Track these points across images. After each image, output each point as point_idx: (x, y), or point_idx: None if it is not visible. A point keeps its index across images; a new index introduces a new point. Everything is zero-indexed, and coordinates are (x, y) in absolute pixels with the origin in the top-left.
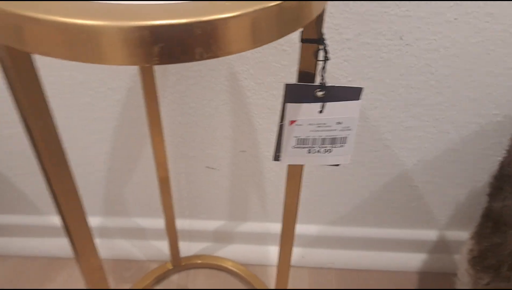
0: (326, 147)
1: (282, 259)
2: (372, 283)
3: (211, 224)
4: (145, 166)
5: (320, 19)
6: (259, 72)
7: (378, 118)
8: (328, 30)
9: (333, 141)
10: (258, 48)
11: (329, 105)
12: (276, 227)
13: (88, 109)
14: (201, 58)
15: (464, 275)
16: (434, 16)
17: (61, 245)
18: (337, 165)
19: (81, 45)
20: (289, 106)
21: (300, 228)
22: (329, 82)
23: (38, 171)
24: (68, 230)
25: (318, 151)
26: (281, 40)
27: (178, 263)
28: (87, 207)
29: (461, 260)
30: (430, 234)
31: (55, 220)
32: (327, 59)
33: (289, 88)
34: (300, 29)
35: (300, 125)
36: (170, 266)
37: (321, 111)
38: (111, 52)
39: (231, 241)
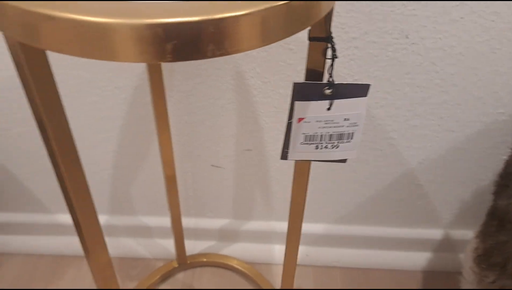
0: (333, 143)
1: (288, 258)
2: (377, 282)
3: (217, 223)
4: (151, 165)
5: (328, 17)
6: (265, 71)
7: (383, 116)
8: (334, 29)
9: (340, 137)
10: (265, 47)
11: (336, 102)
12: (281, 226)
13: (95, 108)
14: (213, 55)
15: (469, 274)
16: (440, 15)
17: (68, 243)
18: (344, 161)
19: (94, 43)
20: (298, 104)
21: (305, 227)
22: (335, 81)
23: (46, 169)
24: (79, 227)
25: (325, 147)
26: (288, 39)
27: (184, 261)
28: None
29: (466, 259)
30: (435, 233)
31: (62, 218)
32: (335, 57)
33: (297, 86)
34: (308, 28)
35: (308, 122)
36: (175, 264)
37: (329, 108)
38: (124, 50)
39: (237, 239)
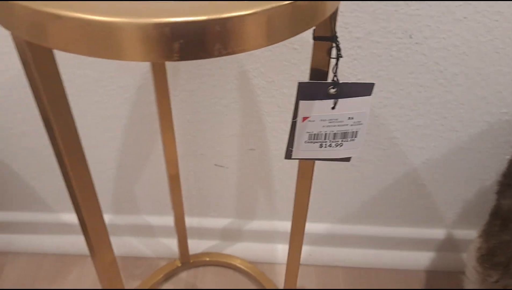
0: (337, 141)
1: (292, 257)
2: (380, 282)
3: (220, 222)
4: (154, 164)
5: (333, 17)
6: (269, 71)
7: (387, 116)
8: (338, 29)
9: (344, 135)
10: (269, 47)
11: (341, 101)
12: (284, 225)
13: (99, 107)
14: (219, 54)
15: (472, 273)
16: (444, 15)
17: (71, 242)
18: (348, 160)
19: (101, 42)
20: (302, 103)
21: (308, 226)
22: (340, 80)
23: (50, 168)
24: (84, 226)
25: (329, 146)
26: (292, 39)
27: (187, 261)
28: None
29: (469, 258)
30: (438, 233)
31: (66, 217)
32: (340, 57)
33: (302, 86)
34: (313, 27)
35: (313, 121)
36: (179, 264)
37: (333, 108)
38: (132, 49)
39: (240, 239)
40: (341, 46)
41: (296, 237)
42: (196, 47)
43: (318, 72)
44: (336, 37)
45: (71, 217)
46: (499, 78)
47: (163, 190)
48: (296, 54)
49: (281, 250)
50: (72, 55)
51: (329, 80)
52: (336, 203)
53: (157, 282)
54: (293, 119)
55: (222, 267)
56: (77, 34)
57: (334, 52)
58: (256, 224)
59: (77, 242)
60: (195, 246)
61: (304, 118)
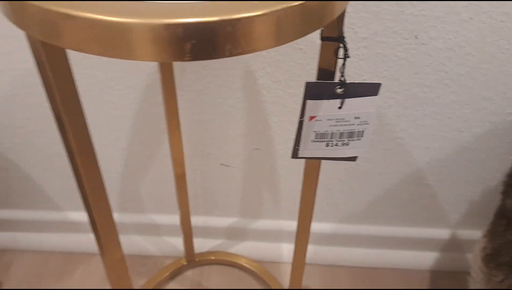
0: (343, 140)
1: (297, 256)
2: (384, 281)
3: (225, 221)
4: (160, 164)
5: (341, 18)
6: (275, 71)
7: (392, 116)
8: (344, 29)
9: (350, 135)
10: (275, 47)
11: (348, 101)
12: (289, 225)
13: (106, 107)
14: (230, 54)
15: (477, 273)
16: (450, 16)
17: (77, 241)
18: (354, 159)
19: (114, 42)
20: (310, 102)
21: (313, 226)
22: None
23: (57, 167)
24: (94, 224)
25: (336, 145)
26: (298, 39)
27: (193, 259)
28: None
29: (474, 258)
30: (443, 233)
31: (73, 215)
32: (347, 57)
33: (309, 85)
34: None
35: (320, 120)
36: (184, 262)
37: (340, 107)
38: (144, 49)
39: (245, 238)
40: (347, 46)
41: (302, 236)
42: (208, 48)
43: (325, 72)
44: (344, 37)
45: (77, 216)
46: (504, 79)
47: (169, 189)
48: (301, 54)
49: (286, 250)
50: (81, 55)
51: (336, 80)
52: (341, 202)
53: (162, 281)
54: (300, 118)
55: (228, 266)
56: (90, 34)
57: (341, 52)
58: (262, 223)
59: (83, 241)
60: (201, 244)
61: (311, 118)
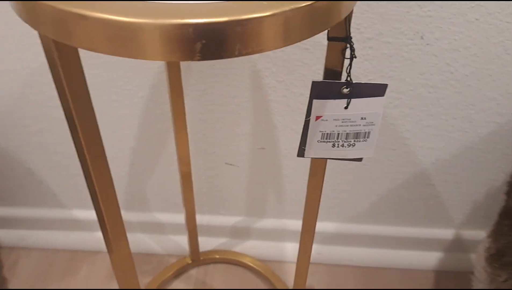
0: (350, 141)
1: (302, 256)
2: (389, 281)
3: (230, 220)
4: (166, 163)
5: (348, 18)
6: (281, 70)
7: (397, 116)
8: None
9: (357, 135)
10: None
11: (354, 101)
12: (293, 224)
13: (113, 107)
14: (240, 54)
15: (481, 273)
16: (455, 17)
17: (83, 239)
18: (360, 160)
19: (125, 42)
20: (316, 102)
21: (318, 225)
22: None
23: (63, 165)
24: (103, 222)
25: (342, 145)
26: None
27: (197, 258)
28: None
29: (478, 258)
30: (447, 233)
31: (78, 213)
32: (354, 57)
33: (316, 85)
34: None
35: (326, 120)
36: (189, 261)
37: (346, 107)
38: (155, 49)
39: (249, 237)
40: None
41: (307, 235)
42: (218, 47)
43: (332, 72)
44: (350, 37)
45: (83, 214)
46: (509, 80)
47: (174, 188)
48: (307, 54)
49: (291, 249)
50: (89, 55)
51: (343, 80)
52: (346, 202)
53: (167, 279)
54: (306, 118)
55: (232, 265)
56: (102, 34)
57: (348, 52)
58: (266, 223)
59: (89, 238)
60: (205, 243)
61: (317, 117)
